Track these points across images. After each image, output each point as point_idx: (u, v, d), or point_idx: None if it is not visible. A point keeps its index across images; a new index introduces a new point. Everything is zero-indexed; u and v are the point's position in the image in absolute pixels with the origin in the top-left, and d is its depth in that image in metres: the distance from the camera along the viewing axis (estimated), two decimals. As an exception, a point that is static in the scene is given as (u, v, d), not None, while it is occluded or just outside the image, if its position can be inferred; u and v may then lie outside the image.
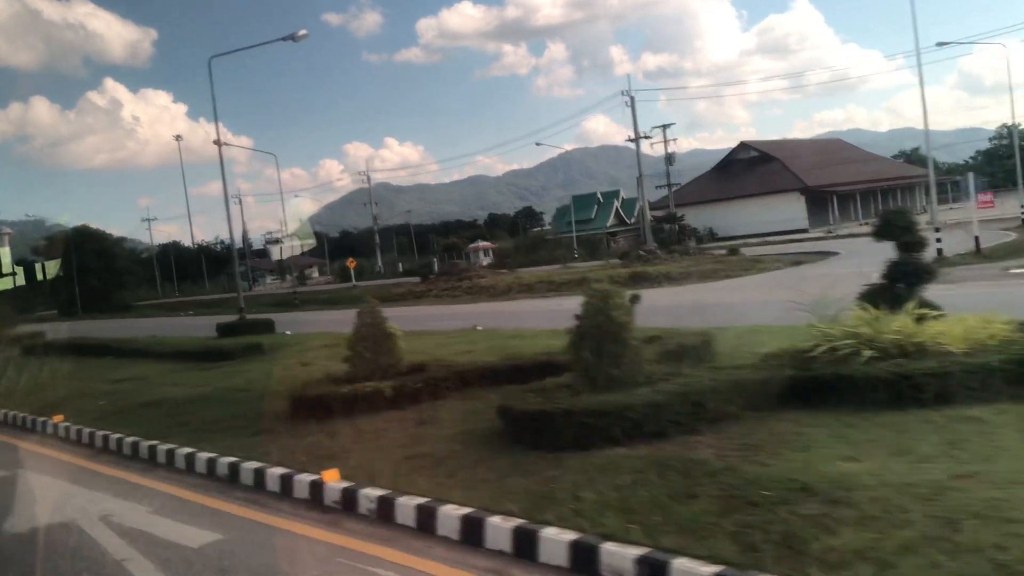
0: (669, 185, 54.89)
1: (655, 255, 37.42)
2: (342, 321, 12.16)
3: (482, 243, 68.28)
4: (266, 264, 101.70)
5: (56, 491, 7.36)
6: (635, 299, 7.02)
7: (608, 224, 61.37)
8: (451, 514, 5.02)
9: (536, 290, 31.34)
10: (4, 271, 29.12)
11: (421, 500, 5.30)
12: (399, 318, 10.76)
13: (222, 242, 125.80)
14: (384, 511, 5.47)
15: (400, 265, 69.50)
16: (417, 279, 42.35)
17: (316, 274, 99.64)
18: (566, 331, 6.90)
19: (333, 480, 5.95)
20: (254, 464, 6.87)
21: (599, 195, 63.57)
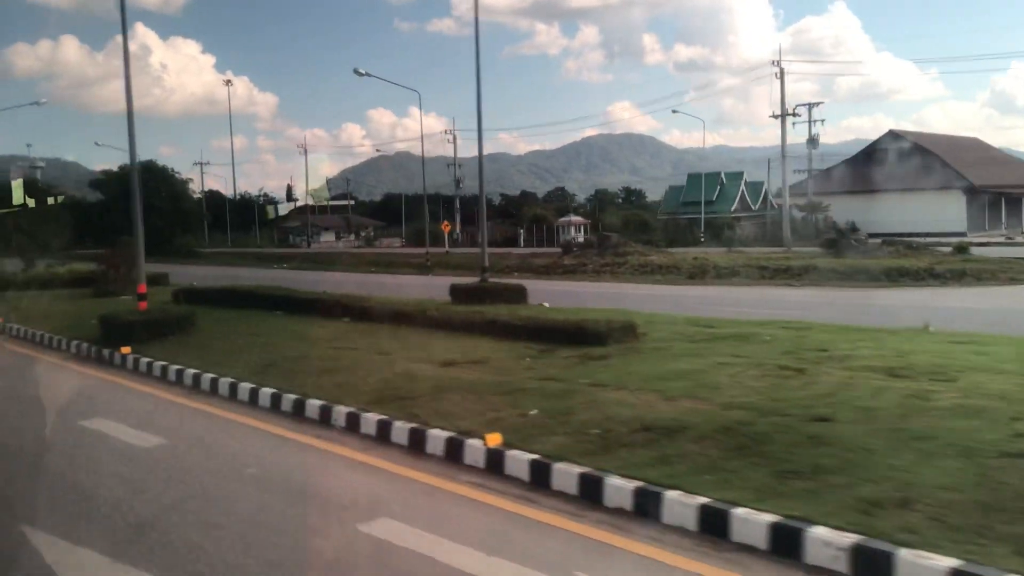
0: (810, 171, 49.05)
1: (863, 243, 31.81)
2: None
3: (575, 218, 62.67)
4: (324, 222, 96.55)
5: None
6: None
7: (732, 209, 55.64)
8: None
9: (744, 275, 25.94)
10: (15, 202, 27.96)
11: None
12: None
13: (265, 194, 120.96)
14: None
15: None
16: (558, 251, 36.91)
17: (358, 235, 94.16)
18: None
19: None
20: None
21: (722, 176, 57.42)
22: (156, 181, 59.61)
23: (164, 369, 10.29)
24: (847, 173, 51.77)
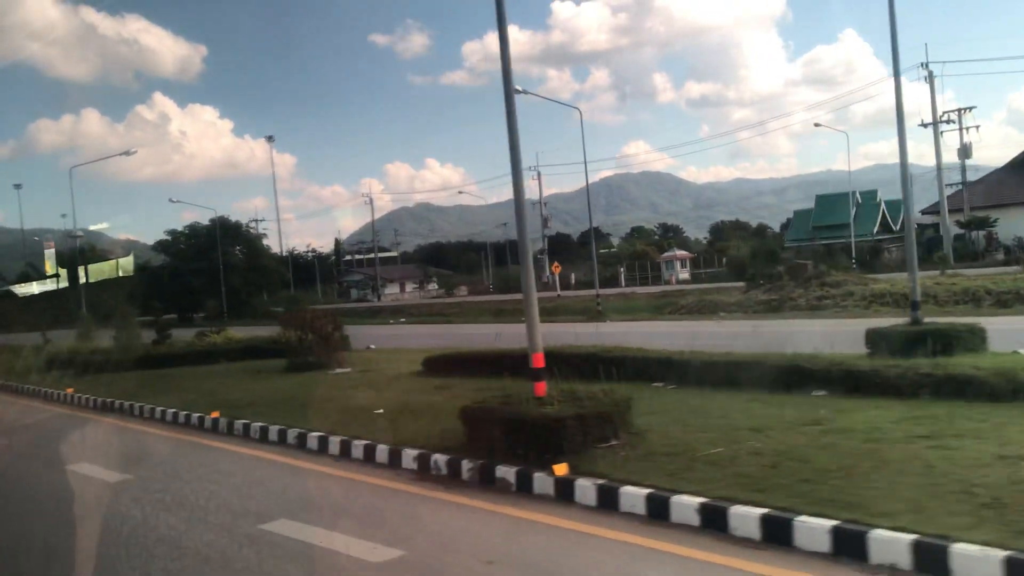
0: (964, 183, 43.78)
1: None
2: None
3: (680, 252, 57.67)
4: (388, 273, 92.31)
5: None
6: None
7: (874, 231, 50.22)
8: None
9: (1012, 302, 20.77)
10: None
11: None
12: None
13: (313, 250, 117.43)
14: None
15: (573, 276, 59.02)
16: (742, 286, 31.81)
17: (422, 286, 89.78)
18: None
19: None
20: None
21: (857, 196, 51.83)
22: (230, 237, 55.73)
23: (715, 513, 5.33)
24: (1004, 184, 46.25)
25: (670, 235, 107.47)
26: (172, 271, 57.05)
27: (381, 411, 9.94)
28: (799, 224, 55.85)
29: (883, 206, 52.65)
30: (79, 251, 54.69)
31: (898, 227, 52.22)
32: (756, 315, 25.37)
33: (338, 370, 14.54)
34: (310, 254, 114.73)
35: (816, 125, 41.07)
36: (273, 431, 9.68)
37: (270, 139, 73.49)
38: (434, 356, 13.42)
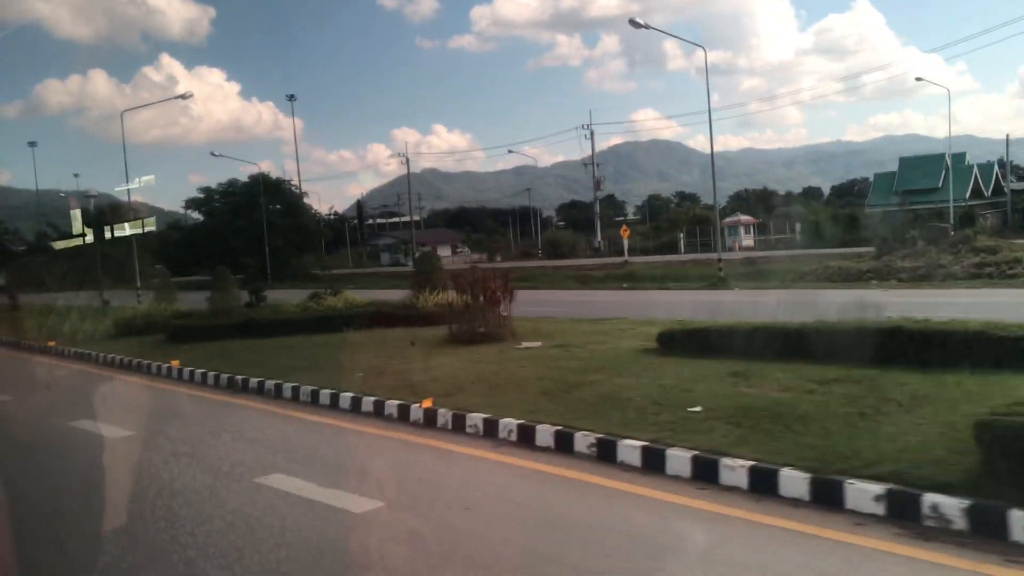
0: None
1: None
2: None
3: (744, 218, 54.33)
4: (422, 238, 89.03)
5: None
6: None
7: (966, 196, 46.64)
8: None
9: None
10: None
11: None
12: None
13: (335, 213, 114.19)
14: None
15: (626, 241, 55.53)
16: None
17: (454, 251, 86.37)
18: None
19: None
20: None
21: (947, 159, 47.86)
22: (270, 195, 52.44)
23: None
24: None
25: (687, 203, 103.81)
26: (208, 230, 54.02)
27: (698, 409, 7.00)
28: (881, 187, 52.06)
29: (975, 169, 48.94)
30: (102, 211, 52.03)
31: (989, 192, 48.68)
32: (907, 284, 22.32)
33: (525, 344, 11.57)
34: (332, 215, 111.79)
35: (918, 79, 36.76)
36: (581, 441, 6.66)
37: (291, 98, 69.30)
38: (677, 330, 10.39)
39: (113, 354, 14.74)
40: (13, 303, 27.84)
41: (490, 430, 7.37)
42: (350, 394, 9.16)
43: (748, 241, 52.91)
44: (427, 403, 8.24)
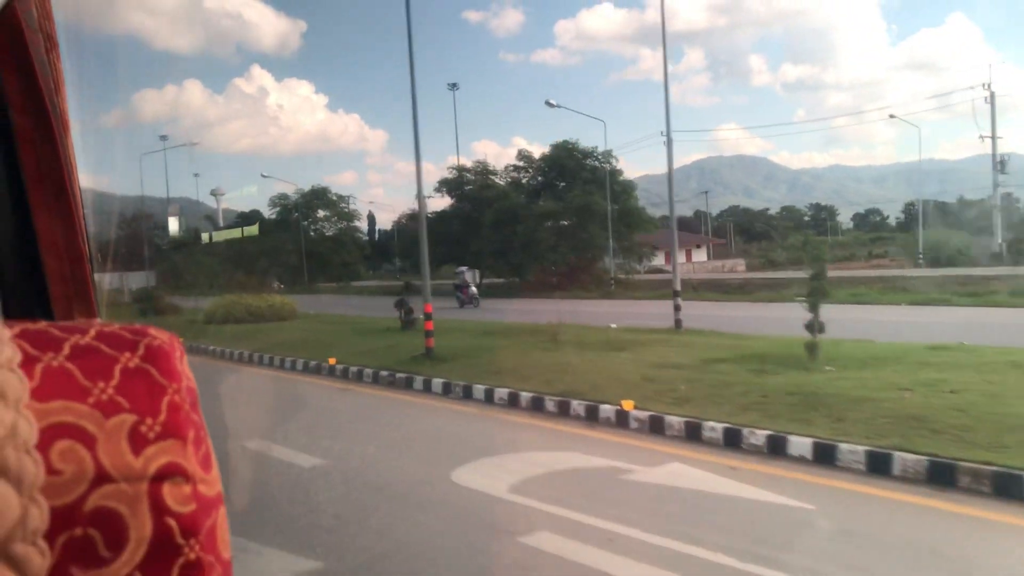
0: None
1: None
2: None
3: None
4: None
5: None
6: None
7: None
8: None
9: None
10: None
11: None
12: None
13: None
14: None
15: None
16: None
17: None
18: None
19: None
20: None
21: None
22: (325, 207, 54.81)
23: None
24: None
25: (788, 220, 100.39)
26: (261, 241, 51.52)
27: None
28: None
29: None
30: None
31: None
32: None
33: (827, 368, 10.69)
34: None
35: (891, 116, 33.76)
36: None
37: (453, 86, 65.98)
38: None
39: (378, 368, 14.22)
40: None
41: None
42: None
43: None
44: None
